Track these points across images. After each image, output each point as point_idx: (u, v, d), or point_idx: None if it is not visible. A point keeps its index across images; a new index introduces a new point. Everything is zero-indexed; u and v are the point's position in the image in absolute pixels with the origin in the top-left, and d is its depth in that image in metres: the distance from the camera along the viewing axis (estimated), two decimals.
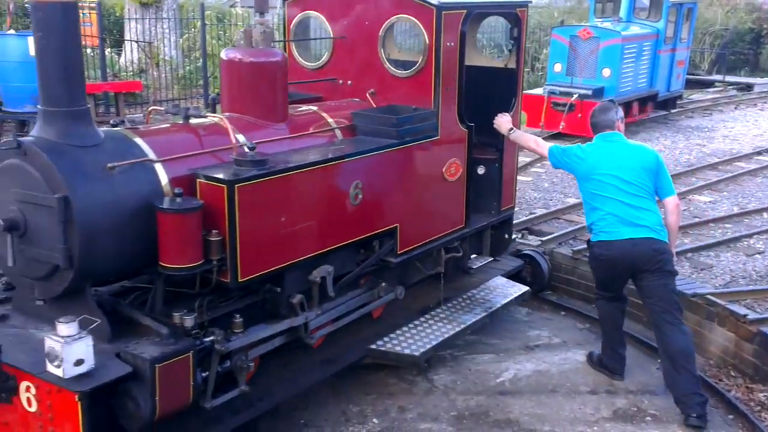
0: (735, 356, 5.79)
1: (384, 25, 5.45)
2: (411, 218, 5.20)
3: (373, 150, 4.83)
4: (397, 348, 5.16)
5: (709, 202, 9.57)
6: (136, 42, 15.53)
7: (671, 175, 10.88)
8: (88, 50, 13.82)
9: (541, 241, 7.49)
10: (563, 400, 5.31)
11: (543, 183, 10.37)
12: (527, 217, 8.38)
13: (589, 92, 12.98)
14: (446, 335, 5.40)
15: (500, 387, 5.47)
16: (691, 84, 20.06)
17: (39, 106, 3.81)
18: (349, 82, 5.71)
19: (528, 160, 11.23)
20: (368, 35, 5.53)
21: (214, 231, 3.89)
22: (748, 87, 21.00)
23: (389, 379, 5.50)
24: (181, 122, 4.48)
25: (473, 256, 6.39)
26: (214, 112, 4.83)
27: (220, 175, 3.94)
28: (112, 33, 17.38)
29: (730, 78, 22.22)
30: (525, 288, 6.40)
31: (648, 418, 5.11)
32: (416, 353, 5.12)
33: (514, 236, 6.92)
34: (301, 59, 5.91)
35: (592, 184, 5.23)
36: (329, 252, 4.60)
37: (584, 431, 4.94)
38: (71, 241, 3.63)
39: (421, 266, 5.75)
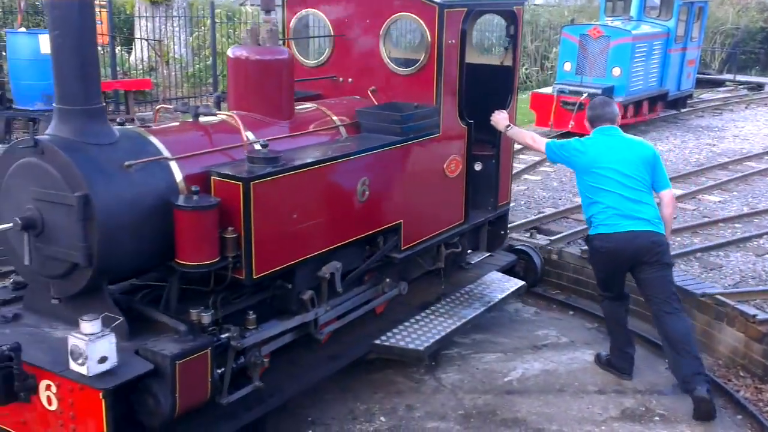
0: (744, 356, 5.77)
1: (385, 23, 5.49)
2: (414, 214, 5.26)
3: (381, 147, 4.88)
4: (401, 343, 5.19)
5: (719, 201, 9.53)
6: (146, 40, 15.57)
7: (681, 175, 10.92)
8: (98, 48, 13.84)
9: (549, 240, 7.47)
10: (571, 399, 5.30)
11: (552, 182, 10.35)
12: (536, 216, 8.36)
13: (599, 91, 12.91)
14: (448, 329, 5.44)
15: (508, 386, 5.47)
16: (702, 83, 19.98)
17: (54, 105, 3.80)
18: (350, 79, 5.74)
19: (537, 159, 11.21)
20: (369, 33, 5.57)
21: (229, 228, 3.92)
22: (759, 86, 20.90)
23: (397, 378, 5.50)
24: (191, 120, 4.50)
25: (468, 251, 6.45)
26: (218, 110, 4.85)
27: (236, 173, 3.96)
28: (122, 31, 17.43)
29: (740, 77, 22.11)
30: (521, 282, 6.47)
31: (656, 418, 5.09)
32: (420, 348, 5.16)
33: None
34: (300, 57, 5.93)
35: (592, 177, 5.27)
36: (338, 248, 4.64)
37: (592, 431, 4.93)
38: (91, 240, 3.64)
39: (422, 262, 5.82)
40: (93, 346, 3.38)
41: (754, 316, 5.71)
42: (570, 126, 12.83)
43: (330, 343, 5.01)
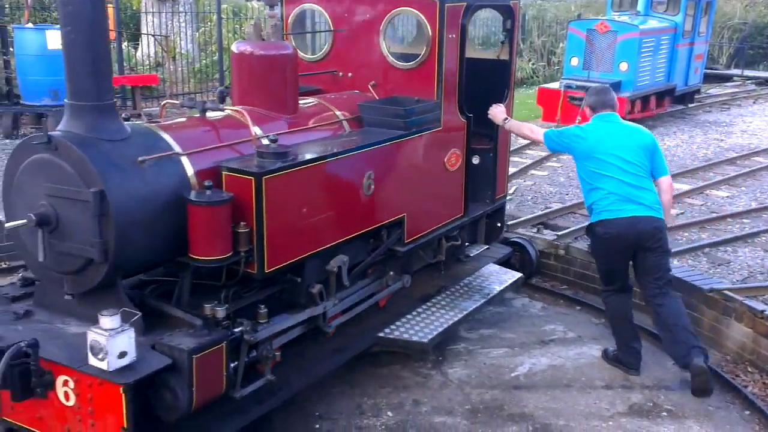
0: (752, 352, 5.75)
1: (386, 18, 5.51)
2: (417, 208, 5.29)
3: (387, 140, 4.91)
4: (405, 336, 5.22)
5: (727, 197, 9.50)
6: (153, 36, 15.58)
7: (688, 170, 10.89)
8: None
9: (556, 235, 7.46)
10: (578, 394, 5.30)
11: (559, 177, 10.33)
12: (543, 212, 8.35)
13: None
14: (450, 322, 5.47)
15: (515, 381, 5.46)
16: (709, 78, 19.93)
17: (66, 101, 3.79)
18: (349, 74, 5.76)
19: (544, 154, 11.20)
20: (369, 28, 5.59)
21: (242, 223, 3.93)
22: (767, 81, 20.81)
23: (404, 373, 5.51)
24: (198, 115, 4.51)
25: (467, 244, 6.50)
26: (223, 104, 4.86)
27: (248, 168, 3.97)
28: (129, 27, 17.45)
29: (748, 72, 22.04)
30: (518, 274, 6.52)
31: (664, 413, 5.09)
32: (424, 340, 5.19)
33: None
34: (299, 52, 5.94)
35: (593, 163, 5.30)
36: (345, 242, 4.67)
37: (599, 426, 4.93)
38: (106, 235, 3.64)
39: (424, 255, 5.86)
40: (113, 341, 3.38)
41: (762, 311, 5.69)
42: (577, 121, 12.77)
43: (335, 337, 5.04)
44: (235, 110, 4.57)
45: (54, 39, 10.75)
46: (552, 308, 6.79)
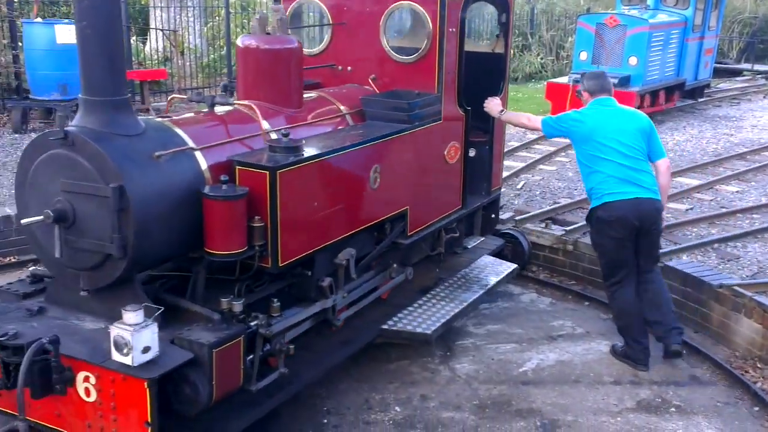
0: (762, 348, 5.72)
1: (386, 12, 5.54)
2: (419, 200, 5.34)
3: (393, 134, 4.95)
4: (408, 327, 5.25)
5: (737, 192, 9.45)
6: (161, 30, 15.59)
7: (698, 165, 10.84)
8: None
9: (565, 230, 7.44)
10: (586, 390, 5.29)
11: (567, 172, 10.29)
12: (551, 207, 8.32)
13: (615, 81, 12.81)
14: (452, 313, 5.52)
15: (523, 377, 5.46)
16: (720, 72, 19.81)
17: (80, 96, 3.78)
18: (349, 68, 5.78)
19: (552, 149, 11.16)
20: (369, 22, 5.61)
21: (256, 217, 3.94)
22: None
23: (411, 368, 5.51)
24: (206, 110, 4.52)
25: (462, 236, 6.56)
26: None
27: (261, 162, 3.98)
28: (137, 21, 17.45)
29: (759, 67, 21.87)
30: (514, 265, 6.57)
31: (672, 410, 5.07)
32: (428, 331, 5.22)
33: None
34: None
35: (592, 146, 5.38)
36: (352, 235, 4.69)
37: (607, 422, 4.92)
38: (125, 231, 3.64)
39: (424, 247, 5.91)
40: (138, 336, 3.39)
41: None
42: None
43: (340, 330, 5.07)
44: (244, 104, 4.58)
45: (63, 33, 10.76)
46: (560, 304, 6.78)
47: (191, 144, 4.04)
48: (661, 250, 6.69)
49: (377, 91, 5.59)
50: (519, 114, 6.27)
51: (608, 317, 6.46)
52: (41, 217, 3.69)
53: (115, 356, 3.45)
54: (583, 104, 5.65)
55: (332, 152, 4.40)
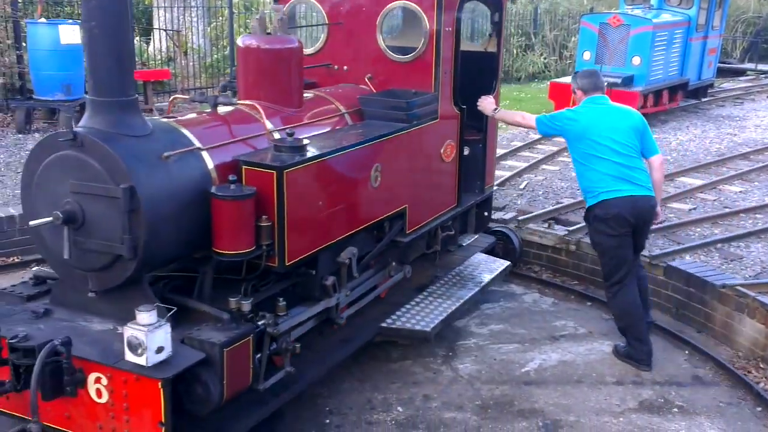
0: (765, 348, 5.71)
1: (383, 12, 5.57)
2: (417, 199, 5.37)
3: (394, 132, 4.98)
4: (408, 325, 5.28)
5: (740, 192, 9.43)
6: (165, 30, 15.61)
7: (701, 165, 10.83)
8: None
9: (567, 230, 7.43)
10: (589, 390, 5.29)
11: (570, 172, 10.26)
12: (554, 207, 8.32)
13: (619, 80, 12.82)
14: (449, 310, 5.55)
15: (525, 377, 5.46)
16: (723, 72, 19.77)
17: (88, 96, 3.77)
18: (345, 67, 5.80)
19: (555, 149, 11.16)
20: (366, 21, 5.64)
21: (263, 216, 3.95)
22: None
23: (414, 368, 5.51)
24: (209, 110, 4.52)
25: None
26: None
27: (268, 162, 4.00)
28: (141, 21, 17.48)
29: (762, 66, 21.83)
30: (506, 263, 6.63)
31: (675, 410, 5.07)
32: (427, 329, 5.25)
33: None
34: None
35: (587, 145, 5.43)
36: (353, 234, 4.71)
37: (610, 422, 4.92)
38: (136, 231, 3.63)
39: (421, 245, 5.94)
40: (152, 336, 3.39)
41: None
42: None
43: (341, 328, 5.09)
44: (248, 104, 4.59)
45: (67, 34, 10.77)
46: (563, 304, 6.78)
47: (197, 144, 4.05)
48: (662, 250, 6.83)
49: (374, 91, 5.61)
50: (513, 112, 6.36)
51: (610, 317, 6.45)
52: (50, 218, 3.67)
53: (129, 357, 3.45)
54: (576, 102, 5.72)
55: (336, 151, 4.42)
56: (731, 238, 7.47)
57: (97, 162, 3.64)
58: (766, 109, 15.81)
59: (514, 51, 20.38)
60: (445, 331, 6.04)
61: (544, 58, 20.62)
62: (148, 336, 3.38)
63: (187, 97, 5.00)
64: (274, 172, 3.93)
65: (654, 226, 6.34)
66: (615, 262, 5.50)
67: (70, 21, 11.52)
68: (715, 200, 9.01)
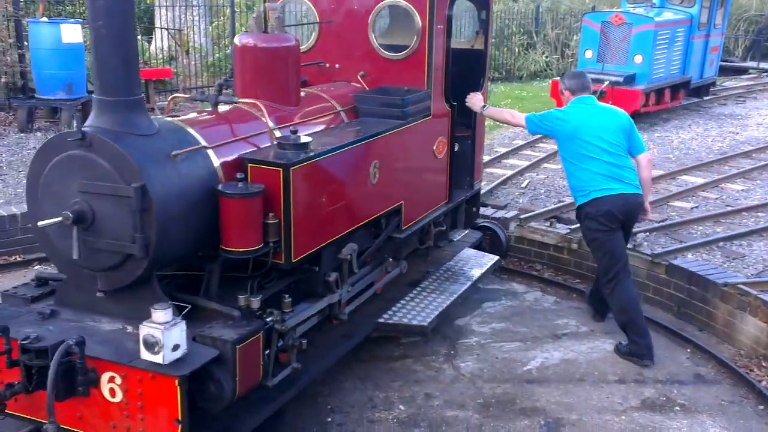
0: (767, 346, 5.71)
1: (375, 9, 5.59)
2: (412, 195, 5.41)
3: (391, 129, 5.03)
4: (404, 320, 5.31)
5: (742, 190, 9.42)
6: (166, 29, 15.61)
7: (703, 164, 10.82)
8: None
9: (569, 229, 7.43)
10: (591, 389, 5.28)
11: None
12: (556, 205, 8.31)
13: (621, 79, 12.82)
14: (444, 305, 5.60)
15: (527, 375, 5.46)
16: (725, 71, 19.74)
17: (95, 96, 3.76)
18: (337, 65, 5.82)
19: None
20: (358, 19, 5.67)
21: (270, 214, 3.96)
22: None
23: (416, 367, 5.51)
24: (210, 108, 4.53)
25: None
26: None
27: (275, 159, 4.01)
28: (143, 21, 17.48)
29: (764, 65, 21.82)
30: (495, 257, 6.68)
31: (677, 408, 5.07)
32: (424, 323, 5.29)
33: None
34: None
35: (577, 145, 5.54)
36: (354, 230, 4.74)
37: (612, 420, 4.91)
38: (148, 230, 3.63)
39: (414, 241, 5.97)
40: (168, 334, 3.39)
41: None
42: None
43: (340, 324, 5.11)
44: (249, 102, 4.59)
45: (68, 33, 10.77)
46: (565, 302, 6.77)
47: (203, 143, 4.05)
48: (664, 249, 6.85)
49: (366, 88, 5.64)
50: (501, 110, 6.45)
51: (612, 316, 6.45)
52: (60, 218, 3.65)
53: (144, 355, 3.44)
54: (564, 103, 5.80)
55: (339, 148, 4.45)
56: (733, 237, 7.46)
57: (106, 161, 3.63)
58: None
59: (516, 49, 20.39)
60: (447, 330, 6.05)
61: (546, 57, 20.61)
62: (165, 334, 3.38)
63: (186, 96, 5.00)
64: (281, 169, 3.94)
65: (642, 222, 6.58)
66: (609, 257, 5.60)
67: (72, 20, 11.52)
68: (717, 198, 9.00)
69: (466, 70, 6.46)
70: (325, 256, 4.59)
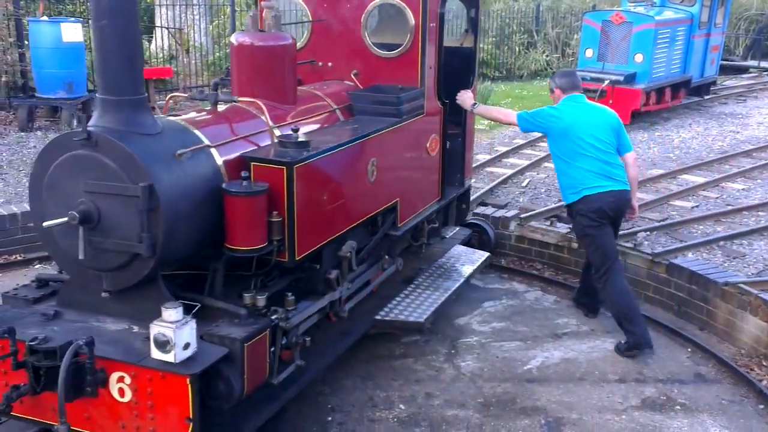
0: (767, 346, 5.71)
1: (368, 8, 5.61)
2: (407, 192, 5.44)
3: (388, 126, 5.04)
4: (401, 317, 5.35)
5: (743, 189, 9.42)
6: (167, 28, 15.62)
7: (704, 163, 10.82)
8: None
9: (569, 228, 7.42)
10: (591, 388, 5.28)
11: None
12: (556, 205, 8.31)
13: (621, 78, 12.82)
14: (439, 301, 5.66)
15: (528, 374, 5.46)
16: (726, 70, 19.75)
17: (99, 95, 3.74)
18: (329, 64, 5.83)
19: None
20: (351, 18, 5.68)
21: (274, 212, 3.97)
22: None
23: (416, 366, 5.51)
24: (209, 108, 4.53)
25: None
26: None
27: (278, 157, 4.02)
28: (143, 19, 17.48)
29: (765, 64, 21.82)
30: (486, 254, 6.77)
31: (677, 407, 5.07)
32: (421, 319, 5.34)
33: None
34: None
35: (570, 142, 5.62)
36: (353, 228, 4.76)
37: (612, 420, 4.91)
38: (155, 230, 3.63)
39: (407, 238, 6.00)
40: (179, 332, 3.40)
41: None
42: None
43: (338, 322, 5.12)
44: (249, 101, 4.59)
45: (69, 32, 10.78)
46: (565, 301, 6.77)
47: (206, 142, 4.06)
48: (665, 248, 6.85)
49: (360, 87, 5.66)
50: (492, 108, 6.52)
51: (606, 311, 6.45)
52: (66, 218, 3.63)
53: (155, 354, 3.44)
54: (554, 101, 5.86)
55: (340, 146, 4.46)
56: (734, 236, 7.46)
57: (112, 161, 3.62)
58: None
59: (517, 48, 20.38)
60: (447, 329, 6.06)
61: (546, 56, 20.61)
62: (176, 333, 3.38)
63: (185, 95, 5.01)
64: (284, 167, 3.95)
65: (629, 222, 6.75)
66: (601, 252, 5.69)
67: (72, 19, 11.54)
68: (717, 198, 9.00)
69: (456, 68, 6.50)
70: (326, 254, 4.60)
